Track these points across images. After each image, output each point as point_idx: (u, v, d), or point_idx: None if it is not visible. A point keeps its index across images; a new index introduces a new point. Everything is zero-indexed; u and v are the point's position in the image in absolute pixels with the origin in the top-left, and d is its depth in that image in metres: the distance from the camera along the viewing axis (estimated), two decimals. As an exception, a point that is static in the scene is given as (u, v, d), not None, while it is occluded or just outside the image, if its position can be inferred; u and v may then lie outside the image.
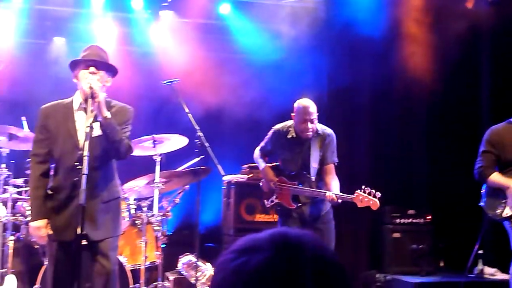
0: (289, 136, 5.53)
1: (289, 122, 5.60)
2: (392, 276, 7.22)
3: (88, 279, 4.27)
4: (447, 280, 7.10)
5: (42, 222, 4.22)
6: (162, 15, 8.43)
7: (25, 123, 6.38)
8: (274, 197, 5.61)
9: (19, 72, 7.64)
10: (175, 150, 6.21)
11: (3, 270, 5.44)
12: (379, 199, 5.15)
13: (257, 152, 5.84)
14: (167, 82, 5.91)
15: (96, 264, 4.25)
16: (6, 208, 5.80)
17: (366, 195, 5.16)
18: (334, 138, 5.59)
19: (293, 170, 5.52)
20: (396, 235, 7.50)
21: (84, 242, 3.95)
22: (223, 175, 6.15)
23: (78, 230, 3.79)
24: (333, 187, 5.32)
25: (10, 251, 5.73)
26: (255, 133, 8.31)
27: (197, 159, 5.89)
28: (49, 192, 4.28)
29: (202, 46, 8.47)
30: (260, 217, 7.01)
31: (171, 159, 6.29)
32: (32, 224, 4.28)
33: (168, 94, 6.23)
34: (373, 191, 5.14)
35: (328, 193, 5.23)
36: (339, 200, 5.24)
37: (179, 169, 6.38)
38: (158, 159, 6.01)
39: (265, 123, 8.34)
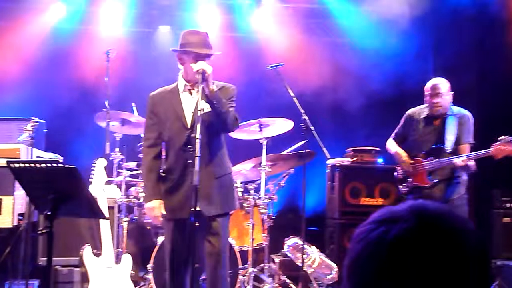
0: (423, 116, 5.60)
1: (423, 105, 5.65)
2: (503, 261, 7.00)
3: (199, 259, 4.38)
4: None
5: (156, 203, 4.37)
6: (264, 1, 8.48)
7: (135, 109, 6.62)
8: (410, 180, 5.59)
9: (128, 59, 7.92)
10: (280, 134, 6.26)
11: (118, 250, 5.67)
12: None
13: (390, 141, 5.87)
14: (271, 67, 5.97)
15: (207, 243, 4.35)
16: (121, 191, 6.05)
17: (507, 143, 5.08)
18: (471, 119, 5.57)
19: (427, 148, 5.52)
20: (507, 220, 7.25)
21: (197, 224, 4.06)
22: (328, 158, 6.14)
23: (194, 208, 3.90)
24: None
25: (124, 232, 5.97)
26: (357, 116, 8.31)
27: (302, 142, 5.92)
28: (162, 174, 4.42)
29: (304, 30, 8.49)
30: (365, 201, 6.96)
31: (276, 143, 6.34)
32: (146, 205, 4.45)
33: (273, 78, 6.29)
34: None
35: (455, 159, 5.21)
36: (471, 163, 5.20)
37: (285, 152, 6.43)
38: (264, 142, 6.09)
39: (367, 106, 8.31)
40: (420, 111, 5.66)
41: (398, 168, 5.73)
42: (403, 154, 5.66)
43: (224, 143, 4.52)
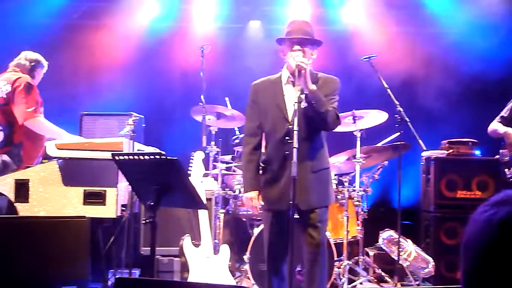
0: None
1: None
2: None
3: (298, 253, 4.39)
4: None
5: (254, 193, 4.43)
6: (355, -7, 8.44)
7: (228, 103, 6.73)
8: None
9: (220, 55, 8.06)
10: (374, 126, 6.21)
11: (216, 241, 5.79)
12: None
13: (494, 123, 5.73)
14: (364, 58, 5.94)
15: (306, 236, 4.36)
16: (217, 183, 6.17)
17: None
18: None
19: None
20: None
21: (296, 216, 4.08)
22: (424, 150, 6.05)
23: (292, 200, 3.93)
24: None
25: (220, 223, 6.09)
26: (452, 108, 8.13)
27: (397, 134, 5.86)
28: (262, 165, 4.46)
29: (395, 21, 8.38)
30: (461, 194, 6.79)
31: (370, 135, 6.29)
32: (245, 195, 4.51)
33: (366, 70, 6.25)
34: None
35: None
36: None
37: (379, 144, 6.38)
38: (358, 134, 6.07)
39: (462, 98, 8.13)
40: None
41: (503, 151, 5.54)
42: None
43: (324, 138, 4.49)
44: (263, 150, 4.55)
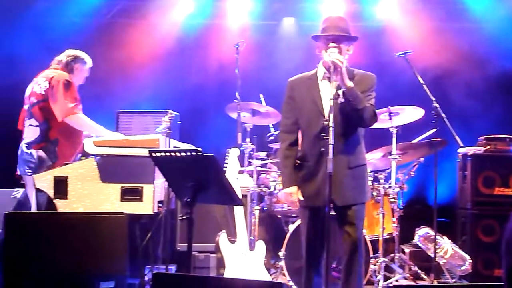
0: None
1: None
2: None
3: (335, 249, 4.37)
4: None
5: (293, 189, 4.41)
6: (390, -12, 8.38)
7: (263, 100, 6.74)
8: None
9: (255, 52, 8.07)
10: (410, 122, 6.16)
11: (251, 237, 5.81)
12: None
13: None
14: (400, 54, 5.90)
15: (343, 232, 4.34)
16: (252, 180, 6.18)
17: None
18: None
19: None
20: None
21: (332, 213, 4.07)
22: (461, 146, 5.99)
23: (328, 197, 3.91)
24: None
25: (256, 220, 6.10)
26: (489, 104, 8.03)
27: (433, 130, 5.80)
28: (298, 161, 4.45)
29: (432, 16, 8.32)
30: (499, 191, 6.69)
31: (406, 131, 6.24)
32: (284, 190, 4.49)
33: (402, 66, 6.20)
34: None
35: None
36: None
37: (415, 141, 6.32)
38: (394, 131, 6.03)
39: (500, 94, 8.02)
40: None
41: None
42: None
43: (361, 134, 4.46)
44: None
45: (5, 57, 7.57)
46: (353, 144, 4.38)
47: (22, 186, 5.64)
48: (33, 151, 5.45)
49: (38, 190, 5.06)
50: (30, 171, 5.41)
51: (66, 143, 5.53)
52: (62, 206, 4.92)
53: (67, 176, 4.96)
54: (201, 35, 8.62)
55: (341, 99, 4.18)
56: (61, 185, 4.96)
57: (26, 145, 5.49)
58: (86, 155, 5.18)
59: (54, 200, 4.94)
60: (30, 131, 5.52)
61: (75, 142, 5.56)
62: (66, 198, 4.94)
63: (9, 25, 7.78)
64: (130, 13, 8.65)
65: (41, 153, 5.44)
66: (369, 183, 5.94)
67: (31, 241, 4.05)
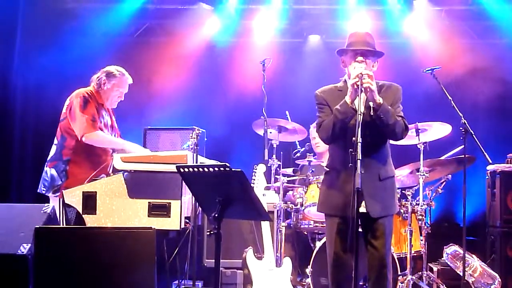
0: None
1: None
2: None
3: (362, 266, 4.32)
4: None
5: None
6: (416, 5, 8.35)
7: (288, 116, 6.75)
8: None
9: (280, 69, 8.11)
10: (438, 138, 6.12)
11: (277, 254, 5.79)
12: None
13: None
14: (427, 70, 5.87)
15: (369, 248, 4.31)
16: (278, 196, 6.16)
17: None
18: None
19: None
20: None
21: (360, 230, 4.01)
22: (490, 163, 5.93)
23: (356, 212, 3.87)
24: None
25: (282, 236, 6.08)
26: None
27: (461, 147, 5.76)
28: (326, 168, 4.47)
29: (458, 33, 8.29)
30: (529, 208, 6.62)
31: (434, 148, 6.20)
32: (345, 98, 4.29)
33: (429, 82, 6.17)
34: None
35: None
36: None
37: (443, 157, 6.28)
38: (421, 147, 5.99)
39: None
40: None
41: None
42: None
43: (389, 147, 4.46)
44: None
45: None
46: (383, 156, 4.38)
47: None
48: (47, 169, 5.46)
49: (67, 206, 5.10)
50: (44, 189, 5.44)
51: (79, 163, 5.43)
52: (90, 221, 4.96)
53: (96, 192, 5.00)
54: (227, 53, 8.69)
55: (365, 113, 4.15)
56: (89, 200, 5.00)
57: (46, 163, 5.53)
58: (114, 171, 5.21)
59: (83, 216, 4.98)
60: (52, 149, 5.54)
61: (92, 162, 5.46)
62: (95, 214, 4.97)
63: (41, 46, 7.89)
64: (157, 32, 8.76)
65: (53, 171, 5.43)
66: (396, 200, 5.92)
67: (61, 255, 4.10)
